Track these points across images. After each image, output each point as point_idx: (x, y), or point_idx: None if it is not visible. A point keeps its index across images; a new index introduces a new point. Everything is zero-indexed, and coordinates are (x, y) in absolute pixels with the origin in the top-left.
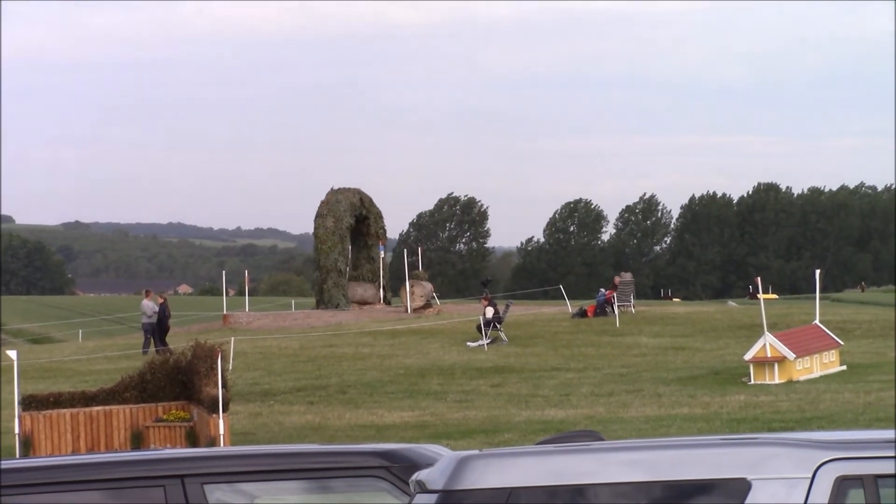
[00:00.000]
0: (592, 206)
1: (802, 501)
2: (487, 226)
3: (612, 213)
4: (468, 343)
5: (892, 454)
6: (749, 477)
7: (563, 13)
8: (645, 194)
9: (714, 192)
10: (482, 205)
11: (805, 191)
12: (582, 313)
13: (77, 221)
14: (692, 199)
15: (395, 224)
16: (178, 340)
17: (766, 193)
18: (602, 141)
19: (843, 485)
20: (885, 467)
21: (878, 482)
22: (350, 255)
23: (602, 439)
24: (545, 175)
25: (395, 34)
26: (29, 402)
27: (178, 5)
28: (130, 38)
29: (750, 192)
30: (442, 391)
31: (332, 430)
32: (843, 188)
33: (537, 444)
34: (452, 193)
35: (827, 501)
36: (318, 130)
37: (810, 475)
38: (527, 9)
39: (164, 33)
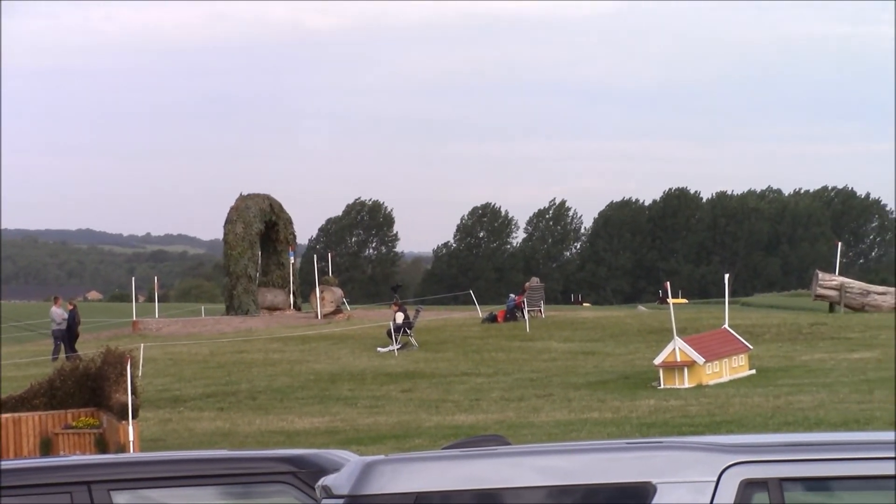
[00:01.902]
0: (502, 211)
1: None
2: (395, 230)
3: (522, 219)
4: (378, 348)
5: (798, 458)
6: (654, 481)
7: (475, 18)
8: (554, 199)
9: (626, 198)
10: (388, 209)
11: (713, 195)
12: (492, 318)
13: None
14: (605, 204)
15: (305, 229)
16: (88, 347)
17: (677, 199)
18: (513, 146)
19: (748, 488)
20: (791, 471)
21: (783, 486)
22: (260, 261)
23: (508, 444)
24: (456, 180)
25: (307, 40)
26: None
27: (86, 11)
28: (39, 44)
29: (661, 198)
30: (352, 397)
31: (242, 436)
32: (750, 192)
33: (443, 449)
34: (360, 198)
35: None
36: (228, 136)
37: (715, 479)
38: (439, 14)
39: (72, 39)
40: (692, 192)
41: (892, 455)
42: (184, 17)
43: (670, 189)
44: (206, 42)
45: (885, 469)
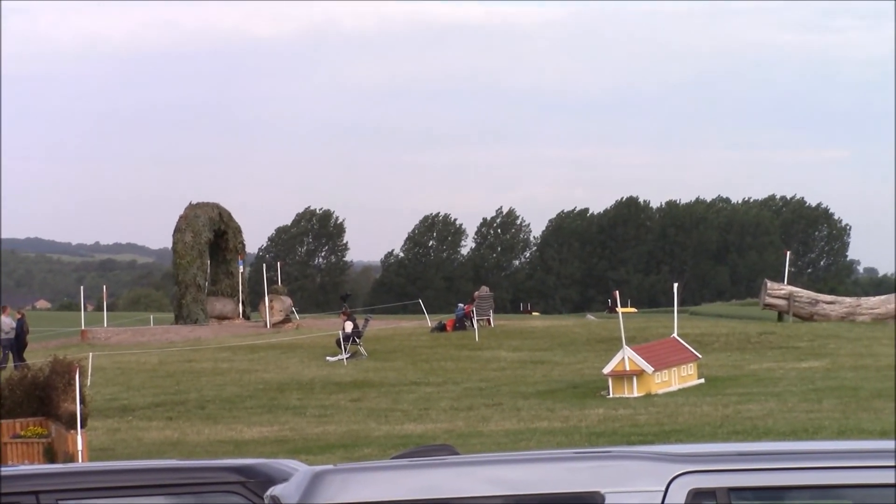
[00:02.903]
0: (452, 220)
1: None
2: (345, 239)
3: (472, 227)
4: (327, 358)
5: (747, 467)
6: (603, 490)
7: (426, 25)
8: (502, 208)
9: (576, 207)
10: (338, 218)
11: (662, 204)
12: (441, 327)
13: None
14: (555, 213)
15: (254, 239)
16: (37, 356)
17: (627, 207)
18: (464, 154)
19: (696, 497)
20: (739, 480)
21: (732, 495)
22: (209, 270)
23: (457, 453)
24: (406, 188)
25: (256, 47)
26: None
27: (36, 18)
28: None
29: (611, 206)
30: (301, 406)
31: (190, 445)
32: (699, 201)
33: (392, 458)
34: (310, 207)
35: None
36: (177, 144)
37: (664, 488)
38: (388, 21)
39: (22, 46)
40: (642, 201)
41: (841, 464)
42: (131, 25)
43: (621, 198)
44: (154, 50)
45: (834, 478)
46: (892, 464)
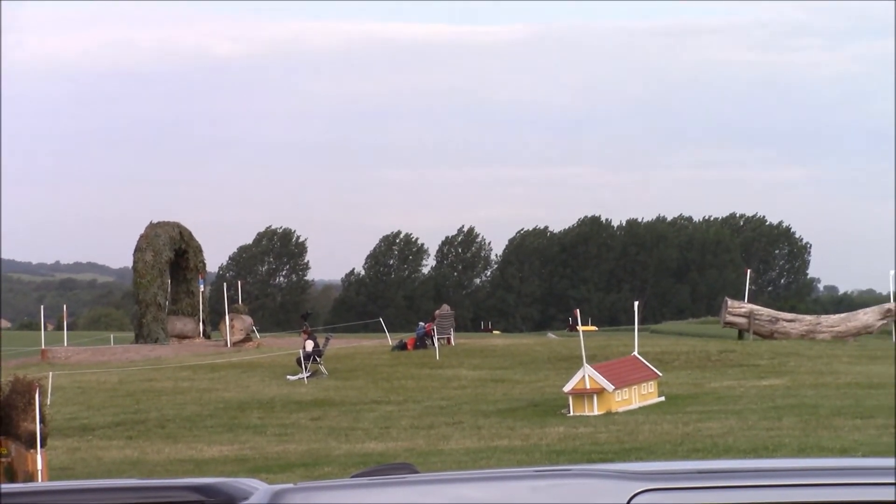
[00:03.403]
0: (413, 239)
1: None
2: (307, 258)
3: (433, 246)
4: (288, 376)
5: (707, 485)
6: None
7: (389, 44)
8: (463, 226)
9: (537, 226)
10: (299, 237)
11: (622, 223)
12: (402, 346)
13: None
14: (517, 232)
15: (215, 257)
16: None
17: (590, 226)
18: (426, 173)
19: None
20: (699, 498)
21: None
22: (169, 289)
23: (416, 472)
24: (368, 207)
25: (216, 66)
26: None
27: None
28: None
29: (573, 225)
30: (262, 425)
31: (151, 464)
32: (659, 219)
33: (352, 477)
34: (271, 226)
35: None
36: (137, 163)
37: None
38: (349, 40)
39: None
40: (604, 219)
41: (801, 482)
42: (88, 45)
43: (584, 217)
44: (112, 69)
45: (794, 496)
46: (853, 481)
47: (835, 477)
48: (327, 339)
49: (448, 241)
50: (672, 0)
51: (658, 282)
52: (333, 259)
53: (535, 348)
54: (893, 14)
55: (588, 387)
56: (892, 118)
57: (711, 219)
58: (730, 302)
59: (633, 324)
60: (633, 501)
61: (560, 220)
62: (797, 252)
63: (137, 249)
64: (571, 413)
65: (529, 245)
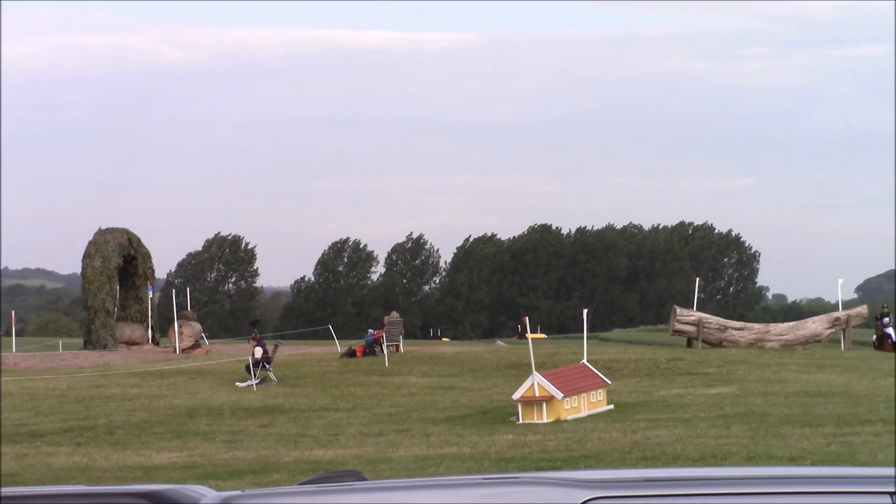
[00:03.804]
0: (362, 246)
1: None
2: (256, 265)
3: (382, 253)
4: (237, 383)
5: (655, 493)
6: None
7: (337, 52)
8: (412, 234)
9: (487, 233)
10: (248, 244)
11: (572, 231)
12: (351, 353)
13: None
14: (466, 239)
15: (164, 264)
16: None
17: (540, 234)
18: (374, 181)
19: None
20: None
21: None
22: (118, 296)
23: (364, 479)
24: (316, 214)
25: (165, 73)
26: None
27: None
28: None
29: (523, 233)
30: (210, 431)
31: (99, 471)
32: (609, 227)
33: (300, 484)
34: (220, 233)
35: None
36: (86, 170)
37: None
38: (298, 48)
39: None
40: (554, 227)
41: (747, 490)
42: (37, 50)
43: (534, 224)
44: (61, 75)
45: None
46: (798, 490)
47: (780, 485)
48: (276, 346)
49: (397, 249)
50: (618, 7)
51: (607, 290)
52: (282, 266)
53: (484, 356)
54: (893, 18)
55: (537, 394)
56: (836, 127)
57: (661, 227)
58: (679, 310)
59: (583, 331)
60: None
61: (509, 227)
62: (746, 260)
63: (86, 255)
64: (520, 421)
65: (479, 252)
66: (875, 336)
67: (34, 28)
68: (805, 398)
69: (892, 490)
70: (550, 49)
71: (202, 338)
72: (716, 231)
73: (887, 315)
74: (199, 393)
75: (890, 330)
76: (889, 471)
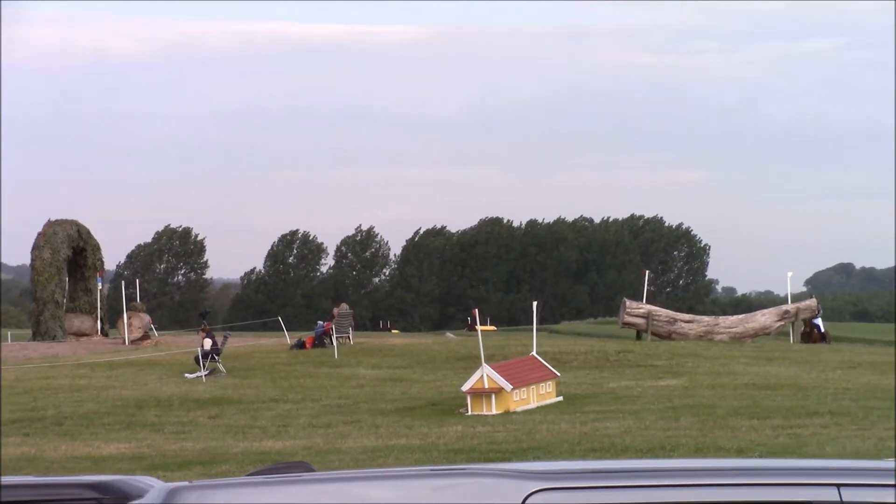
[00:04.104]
0: (311, 238)
1: None
2: (206, 257)
3: (331, 245)
4: (186, 374)
5: (603, 484)
6: None
7: (285, 45)
8: (361, 226)
9: (436, 226)
10: (198, 235)
11: (523, 224)
12: (300, 345)
13: None
14: (416, 232)
15: (114, 256)
16: None
17: (490, 227)
18: (324, 173)
19: None
20: (594, 497)
21: None
22: (67, 287)
23: (312, 470)
24: (266, 207)
25: (113, 66)
26: None
27: None
28: None
29: (473, 226)
30: (159, 423)
31: (47, 461)
32: (559, 220)
33: (247, 475)
34: (170, 225)
35: None
36: (34, 162)
37: None
38: (247, 40)
39: None
40: (505, 220)
41: (696, 482)
42: None
43: (484, 217)
44: (8, 67)
45: (688, 496)
46: (746, 482)
47: (730, 477)
48: (225, 338)
49: (347, 241)
50: (567, 2)
51: (557, 282)
52: (232, 258)
53: (434, 347)
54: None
55: (486, 386)
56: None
57: (611, 220)
58: (628, 303)
59: (532, 324)
60: (528, 501)
61: (460, 220)
62: (696, 253)
63: (35, 247)
64: (469, 412)
65: (428, 245)
66: (802, 328)
67: None
68: (754, 390)
69: (839, 482)
70: (501, 43)
71: (151, 329)
72: (666, 224)
73: (818, 308)
74: (148, 384)
75: (819, 321)
76: (836, 463)
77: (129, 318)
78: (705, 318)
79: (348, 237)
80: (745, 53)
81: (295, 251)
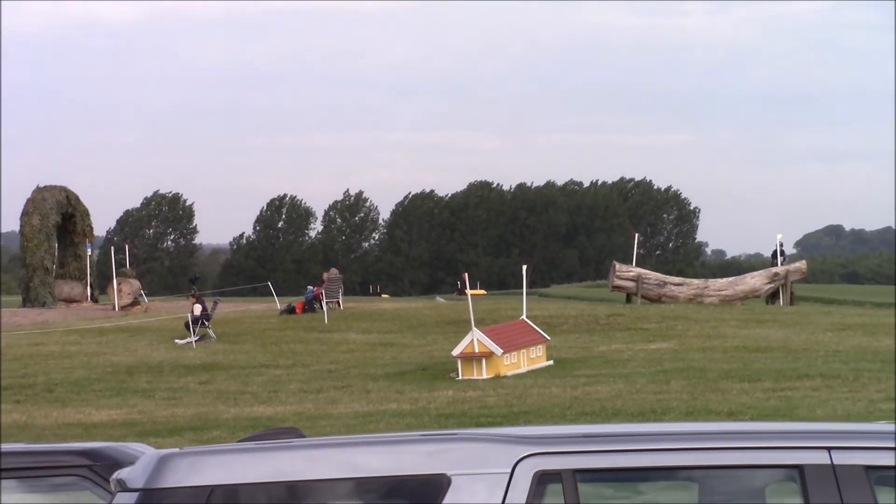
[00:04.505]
0: (299, 202)
1: (502, 496)
2: (195, 222)
3: (320, 210)
4: (176, 340)
5: (593, 449)
6: (449, 473)
7: (274, 9)
8: (348, 190)
9: (425, 190)
10: (186, 201)
11: (513, 188)
12: (290, 310)
13: None
14: (405, 196)
15: (103, 221)
16: None
17: (479, 191)
18: (313, 137)
19: (542, 479)
20: (585, 462)
21: (577, 476)
22: (57, 253)
23: (303, 436)
24: (255, 171)
25: (103, 30)
26: None
27: None
28: None
29: (462, 190)
30: (150, 389)
31: (38, 428)
32: (549, 184)
33: (238, 441)
34: (158, 190)
35: (525, 496)
36: (23, 128)
37: (509, 470)
38: (238, 4)
39: None
40: (495, 184)
41: (688, 446)
42: None
43: (474, 181)
44: None
45: (680, 460)
46: (737, 445)
47: (720, 441)
48: (215, 303)
49: (336, 206)
50: None
51: (547, 246)
52: (221, 223)
53: (424, 312)
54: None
55: (477, 350)
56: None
57: (600, 183)
58: (618, 266)
59: (522, 287)
60: (518, 465)
61: (449, 184)
62: (685, 216)
63: (24, 213)
64: (460, 377)
65: (418, 209)
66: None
67: None
68: (744, 353)
69: (831, 445)
70: (489, 5)
71: (141, 295)
72: (655, 187)
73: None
74: (139, 350)
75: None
76: (827, 426)
77: (118, 284)
78: (695, 281)
79: (338, 202)
80: (733, 14)
81: (284, 216)
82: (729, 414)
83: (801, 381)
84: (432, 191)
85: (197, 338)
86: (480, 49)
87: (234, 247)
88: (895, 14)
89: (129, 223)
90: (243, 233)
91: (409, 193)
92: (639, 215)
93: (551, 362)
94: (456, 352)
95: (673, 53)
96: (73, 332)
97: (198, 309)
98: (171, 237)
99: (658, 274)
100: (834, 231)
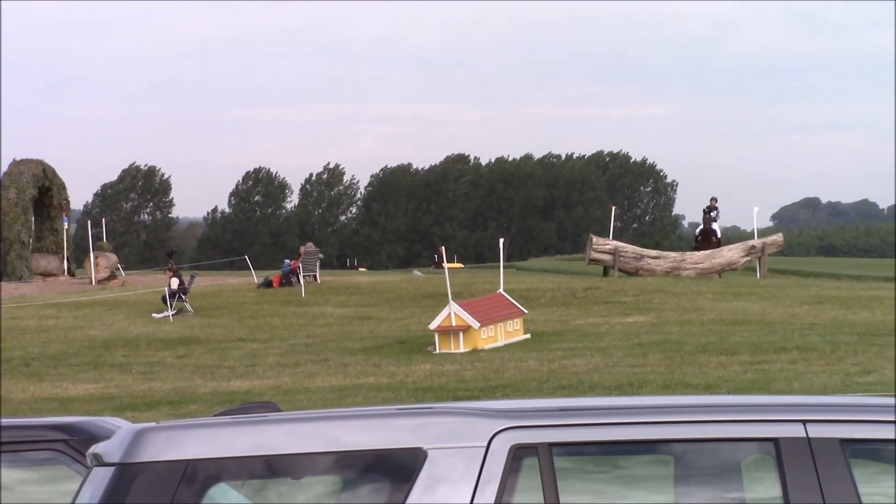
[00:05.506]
0: (275, 175)
1: (478, 470)
2: (171, 195)
3: (297, 183)
4: (153, 314)
5: (569, 422)
6: (425, 446)
7: None
8: (329, 163)
9: (403, 163)
10: (164, 174)
11: (492, 161)
12: (267, 284)
13: None
14: (382, 169)
15: (79, 195)
16: None
17: (456, 164)
18: (288, 109)
19: (517, 453)
20: (561, 435)
21: (553, 450)
22: (33, 227)
23: (279, 410)
24: (232, 145)
25: (79, 3)
26: None
27: None
28: None
29: (439, 163)
30: (127, 363)
31: (15, 403)
32: (527, 157)
33: (215, 415)
34: (135, 163)
35: (502, 470)
36: None
37: (485, 444)
38: None
39: None
40: (473, 157)
41: (664, 419)
42: None
43: (451, 154)
44: None
45: (656, 434)
46: (713, 418)
47: (697, 414)
48: (192, 277)
49: (312, 179)
50: None
51: (524, 219)
52: (198, 196)
53: (401, 285)
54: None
55: (454, 324)
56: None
57: (577, 156)
58: (595, 239)
59: (499, 261)
60: (494, 439)
61: (426, 157)
62: (662, 189)
63: (0, 187)
64: (437, 350)
65: (394, 182)
66: (700, 230)
67: None
68: (721, 326)
69: (806, 418)
70: None
71: (118, 269)
72: (632, 160)
73: (715, 209)
74: (116, 324)
75: (716, 226)
76: (803, 399)
77: (95, 257)
78: (672, 254)
79: (316, 175)
80: None
81: (260, 189)
82: (706, 387)
83: (778, 353)
84: (409, 164)
85: (174, 311)
86: (461, 21)
87: (209, 220)
88: None
89: (107, 197)
90: (216, 206)
91: (386, 166)
92: (616, 188)
93: (528, 336)
94: (433, 325)
95: (652, 26)
96: (49, 305)
97: (175, 283)
98: (148, 210)
99: (635, 247)
100: (810, 204)
